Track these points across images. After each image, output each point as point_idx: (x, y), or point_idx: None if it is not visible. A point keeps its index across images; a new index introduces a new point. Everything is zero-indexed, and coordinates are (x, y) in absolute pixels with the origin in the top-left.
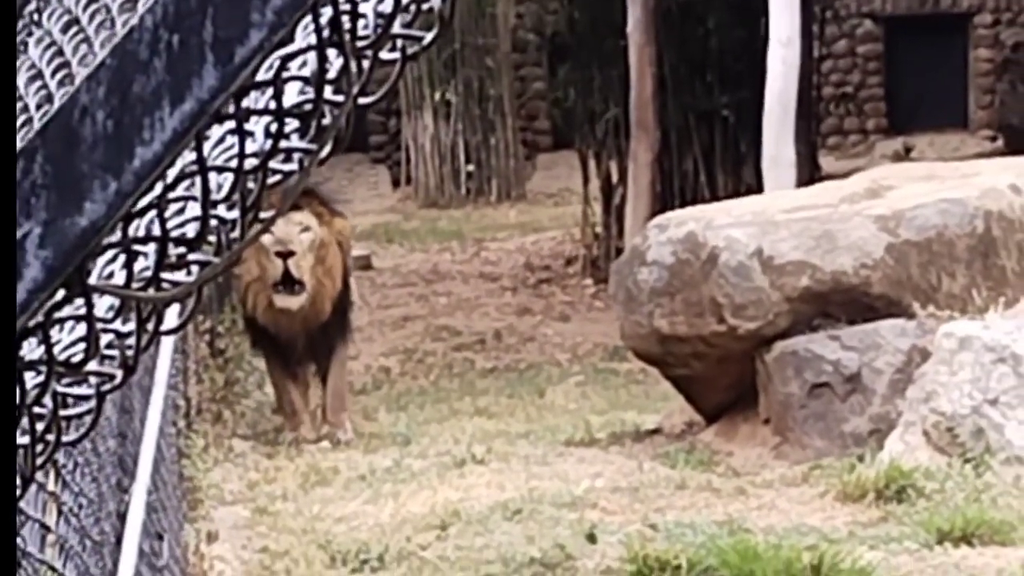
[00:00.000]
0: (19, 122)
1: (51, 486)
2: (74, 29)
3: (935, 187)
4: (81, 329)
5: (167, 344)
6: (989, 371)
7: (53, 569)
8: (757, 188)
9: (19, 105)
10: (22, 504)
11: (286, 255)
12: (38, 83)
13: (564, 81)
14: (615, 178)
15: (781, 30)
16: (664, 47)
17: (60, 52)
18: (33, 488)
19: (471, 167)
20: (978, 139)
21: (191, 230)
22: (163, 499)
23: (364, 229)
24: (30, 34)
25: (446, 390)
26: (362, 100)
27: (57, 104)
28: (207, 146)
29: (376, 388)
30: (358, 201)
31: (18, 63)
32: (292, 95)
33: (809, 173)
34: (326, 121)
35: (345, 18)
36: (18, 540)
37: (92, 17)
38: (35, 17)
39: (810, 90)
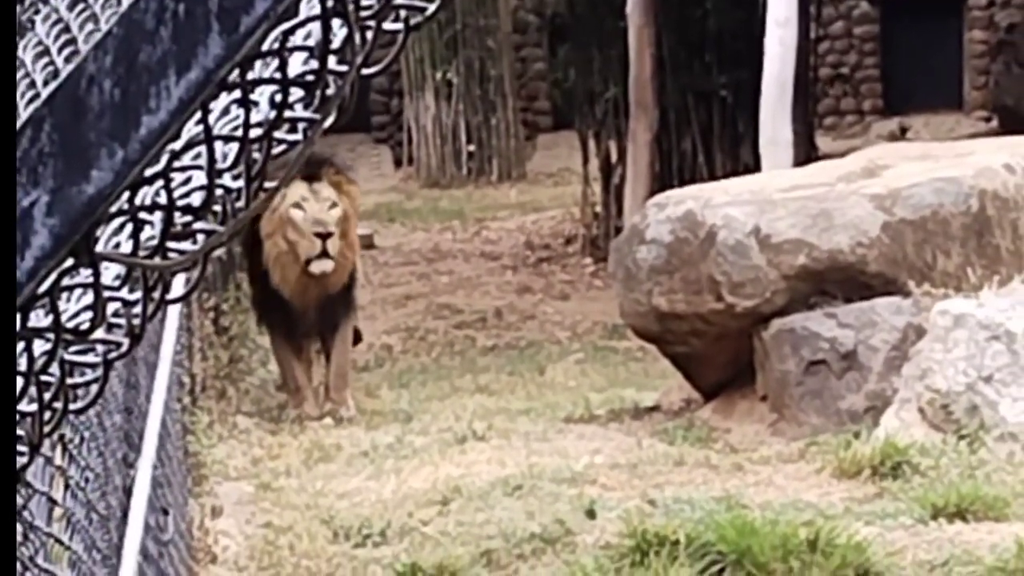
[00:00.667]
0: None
1: (58, 460)
2: (80, 6)
3: (930, 166)
4: (88, 297)
5: (172, 321)
6: (983, 348)
7: (59, 542)
8: (755, 167)
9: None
10: (29, 477)
11: (325, 236)
12: (45, 59)
13: (564, 62)
14: (614, 158)
15: (779, 11)
16: (663, 28)
17: (67, 29)
18: (40, 461)
19: (472, 147)
20: (973, 120)
21: (197, 199)
22: (168, 474)
23: (366, 208)
24: (37, 11)
25: (447, 367)
26: (365, 71)
27: (64, 73)
28: (212, 115)
29: (378, 366)
30: (361, 180)
31: (25, 40)
32: (296, 65)
33: (806, 153)
34: (330, 91)
35: None
36: (25, 513)
37: None
38: None
39: (807, 71)
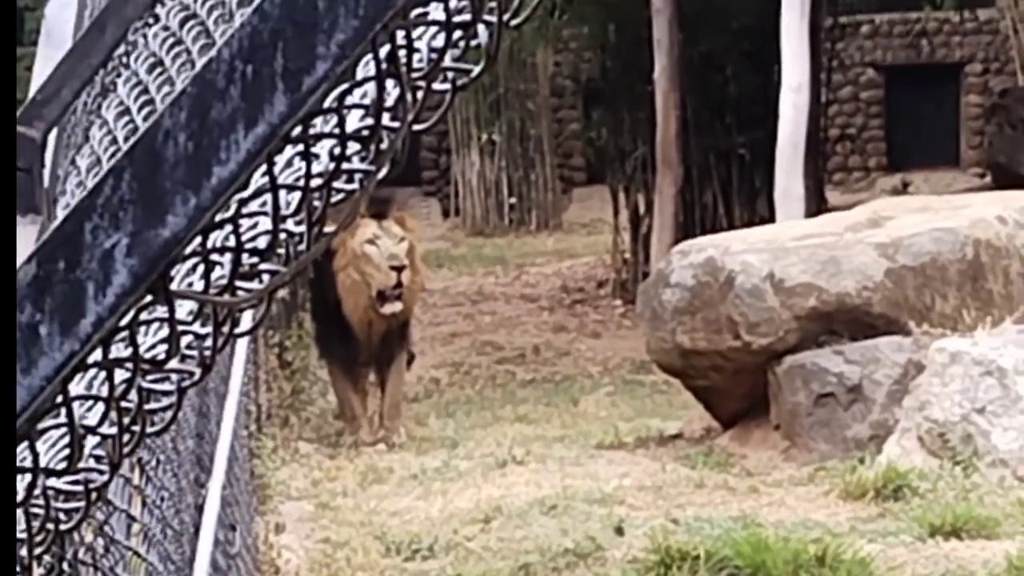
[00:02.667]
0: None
1: (136, 480)
2: (158, 70)
3: (929, 218)
4: (164, 331)
5: (240, 355)
6: (977, 383)
7: (137, 555)
8: (770, 219)
9: (108, 137)
10: (110, 495)
11: (400, 268)
12: (126, 118)
13: (597, 123)
14: (642, 210)
15: (792, 77)
16: (687, 92)
17: (145, 91)
18: (120, 482)
19: (513, 200)
20: (969, 176)
21: (263, 242)
22: (236, 494)
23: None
24: (119, 75)
25: (490, 399)
26: (417, 126)
27: (143, 128)
28: (277, 166)
29: (427, 397)
30: None
31: (108, 100)
32: (354, 121)
33: (816, 205)
34: (383, 145)
35: (402, 52)
36: (106, 528)
37: (175, 59)
38: (124, 60)
39: (818, 131)
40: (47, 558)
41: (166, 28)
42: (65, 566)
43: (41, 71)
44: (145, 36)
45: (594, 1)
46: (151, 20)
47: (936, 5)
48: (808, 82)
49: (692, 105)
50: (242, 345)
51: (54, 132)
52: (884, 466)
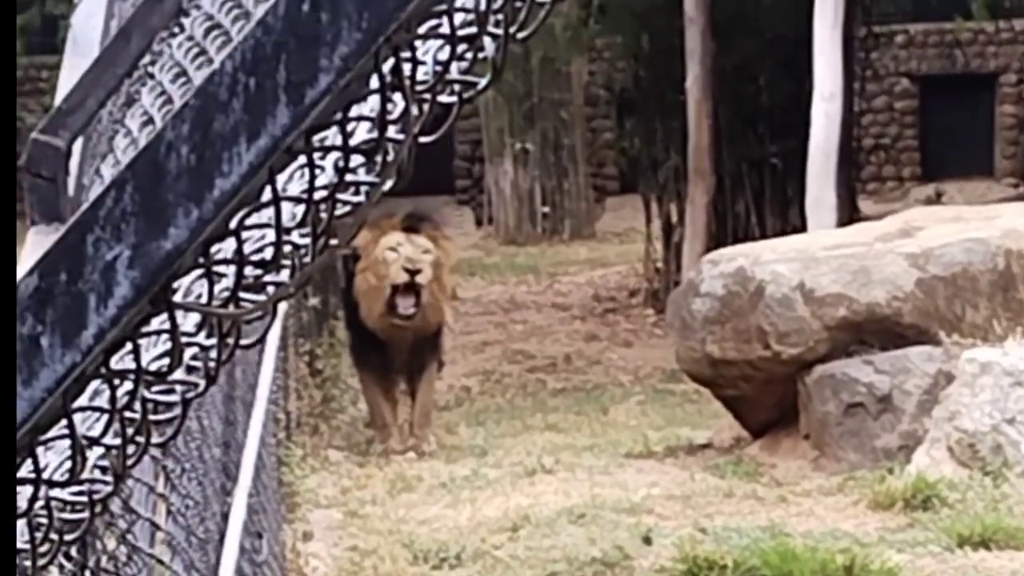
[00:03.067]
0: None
1: (160, 488)
2: (182, 80)
3: (961, 228)
4: (167, 343)
5: (268, 363)
6: (1007, 393)
7: (161, 563)
8: (802, 228)
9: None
10: (133, 504)
11: (414, 272)
12: (150, 128)
13: (630, 132)
14: (675, 219)
15: (824, 87)
16: (720, 101)
17: (170, 100)
18: (144, 490)
19: (546, 209)
20: (1003, 186)
21: (267, 255)
22: (263, 502)
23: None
24: (144, 84)
25: (520, 407)
26: (422, 139)
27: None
28: (283, 179)
29: (458, 405)
30: None
31: (132, 108)
32: (359, 134)
33: (848, 215)
34: (389, 158)
35: (406, 65)
36: (129, 536)
37: (199, 68)
38: (148, 69)
39: (850, 141)
40: (69, 566)
41: (191, 38)
42: (88, 575)
43: (67, 80)
44: (170, 45)
45: (627, 11)
46: (176, 30)
47: (968, 15)
48: (840, 92)
49: (725, 114)
50: (270, 354)
51: (80, 141)
52: (913, 476)
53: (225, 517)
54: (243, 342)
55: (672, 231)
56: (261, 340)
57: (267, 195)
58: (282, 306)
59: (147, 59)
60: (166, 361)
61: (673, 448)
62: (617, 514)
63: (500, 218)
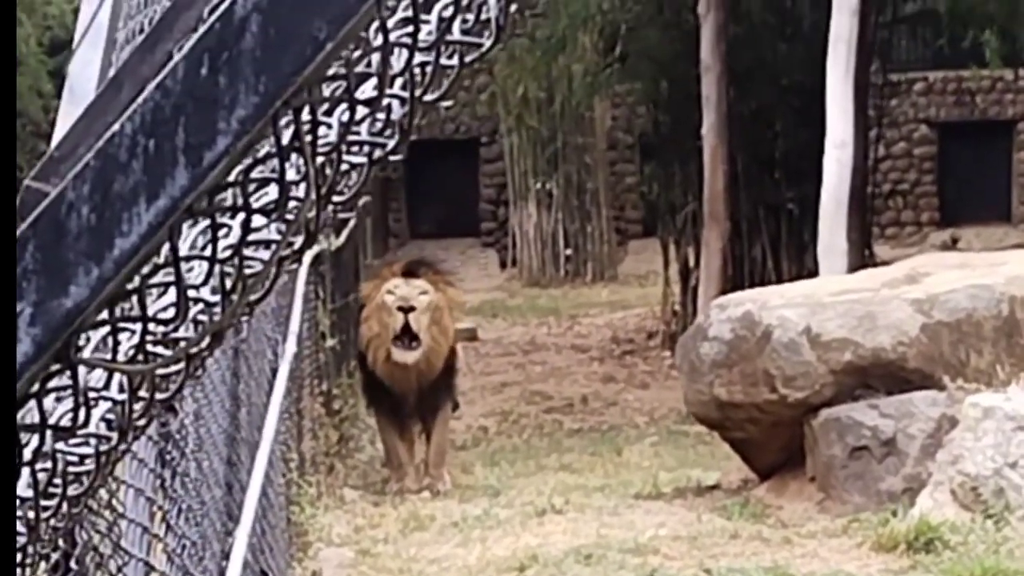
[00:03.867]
0: None
1: (155, 529)
2: None
3: (966, 274)
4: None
5: (275, 405)
6: (1010, 437)
7: None
8: (817, 273)
9: None
10: (125, 544)
11: (407, 310)
12: None
13: (649, 176)
14: (692, 262)
15: (836, 134)
16: (737, 147)
17: None
18: (138, 530)
19: (569, 251)
20: (1020, 231)
21: (170, 312)
22: (270, 541)
23: (473, 305)
24: None
25: (536, 448)
26: (335, 199)
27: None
28: (191, 237)
29: (475, 445)
30: (469, 280)
31: None
32: (266, 193)
33: (861, 260)
34: (291, 216)
35: (306, 128)
36: None
37: None
38: None
39: (864, 187)
40: None
41: None
42: None
43: (61, 127)
44: None
45: (646, 57)
46: None
47: (983, 63)
48: (852, 139)
49: (742, 160)
50: (278, 395)
51: None
52: (917, 519)
53: (227, 556)
54: (159, 396)
55: (689, 274)
56: (176, 395)
57: (167, 254)
58: (292, 348)
59: None
60: (72, 416)
61: (682, 489)
62: (623, 554)
63: (524, 260)
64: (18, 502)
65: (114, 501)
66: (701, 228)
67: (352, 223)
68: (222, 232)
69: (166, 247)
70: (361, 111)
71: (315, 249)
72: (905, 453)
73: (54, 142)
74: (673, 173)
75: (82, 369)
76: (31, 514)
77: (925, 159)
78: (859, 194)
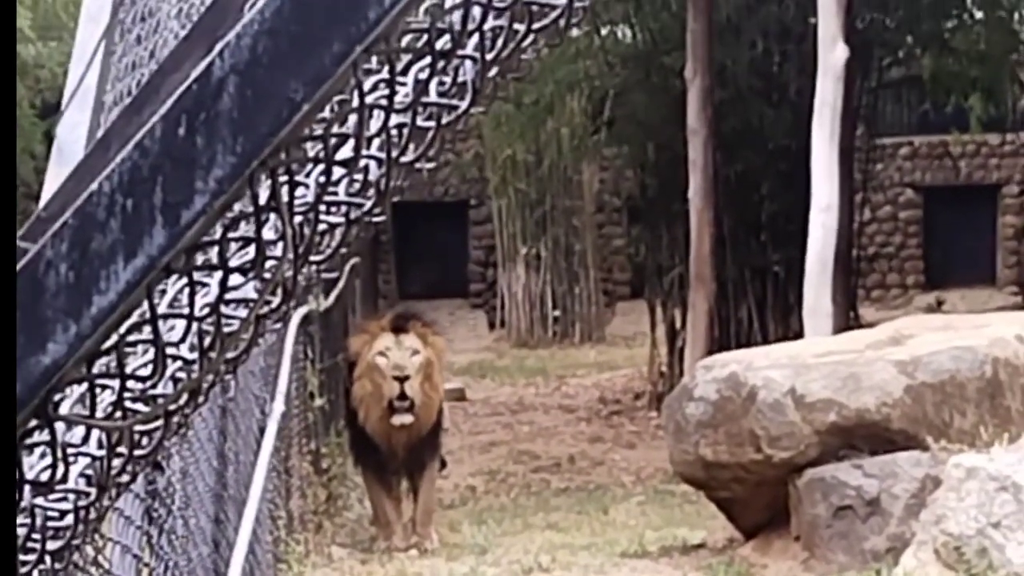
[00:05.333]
0: None
1: None
2: None
3: (950, 336)
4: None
5: (263, 463)
6: (992, 498)
7: None
8: (803, 335)
9: None
10: None
11: (403, 379)
12: None
13: (636, 239)
14: (679, 324)
15: (821, 198)
16: (723, 210)
17: None
18: None
19: (557, 312)
20: (1005, 294)
21: (148, 369)
22: None
23: (461, 365)
24: None
25: (523, 507)
26: (314, 257)
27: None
28: (168, 295)
29: (462, 504)
30: (458, 340)
31: None
32: (244, 252)
33: (846, 322)
34: (268, 275)
35: (283, 187)
36: None
37: None
38: None
39: (849, 250)
40: None
41: None
42: None
43: (50, 188)
44: None
45: (634, 121)
46: None
47: (966, 128)
48: (837, 203)
49: (728, 223)
50: (265, 453)
51: None
52: None
53: None
54: (138, 452)
55: (676, 336)
56: (154, 452)
57: (144, 312)
58: (280, 407)
59: None
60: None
61: (668, 548)
62: None
63: (512, 321)
64: None
65: (100, 558)
66: (688, 290)
67: (341, 284)
68: (200, 290)
69: (144, 305)
70: (338, 172)
71: (304, 309)
72: (889, 513)
73: (42, 202)
74: (660, 235)
75: (60, 425)
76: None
77: (910, 222)
78: (844, 257)
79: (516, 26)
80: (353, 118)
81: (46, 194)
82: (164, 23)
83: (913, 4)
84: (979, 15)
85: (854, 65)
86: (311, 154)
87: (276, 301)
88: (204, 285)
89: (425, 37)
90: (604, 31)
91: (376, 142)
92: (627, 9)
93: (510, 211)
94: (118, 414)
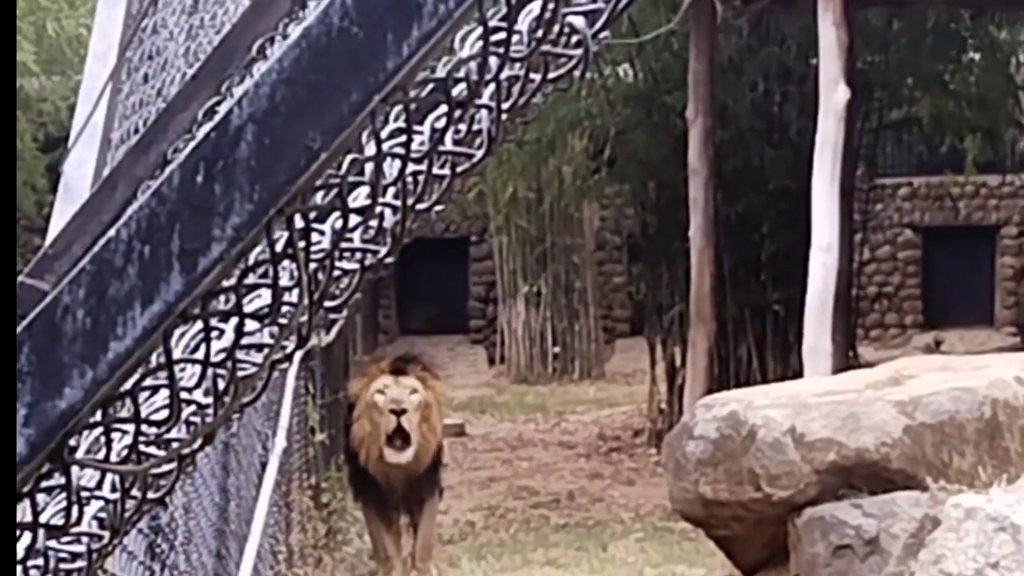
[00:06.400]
0: None
1: None
2: None
3: (949, 377)
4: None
5: (264, 498)
6: (991, 538)
7: None
8: (802, 373)
9: None
10: None
11: (399, 412)
12: None
13: (637, 277)
14: (678, 362)
15: (822, 237)
16: (724, 249)
17: None
18: None
19: (557, 349)
20: (1003, 335)
21: (163, 414)
22: None
23: (461, 401)
24: None
25: (522, 543)
26: (328, 304)
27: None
28: (184, 340)
29: (462, 539)
30: (458, 376)
31: None
32: (259, 299)
33: (845, 361)
34: (283, 321)
35: (299, 235)
36: None
37: None
38: None
39: (849, 290)
40: None
41: None
42: None
43: (56, 225)
44: None
45: (635, 160)
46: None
47: (961, 169)
48: (837, 242)
49: (728, 262)
50: (267, 488)
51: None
52: None
53: None
54: (151, 496)
55: (676, 374)
56: (167, 495)
57: (161, 357)
58: (282, 442)
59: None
60: (65, 515)
61: None
62: None
63: (512, 357)
64: None
65: None
66: (688, 328)
67: (342, 320)
68: (215, 335)
69: (160, 350)
70: (354, 219)
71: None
72: (888, 552)
73: (48, 239)
74: (660, 274)
75: (75, 468)
76: None
77: (909, 263)
78: (844, 296)
79: (532, 75)
80: (370, 166)
81: (52, 231)
82: (171, 62)
83: (913, 47)
84: (978, 58)
85: (855, 106)
86: (328, 201)
87: (291, 346)
88: (220, 331)
89: (442, 87)
90: (606, 70)
91: (392, 190)
92: (629, 49)
93: (511, 248)
94: (133, 458)
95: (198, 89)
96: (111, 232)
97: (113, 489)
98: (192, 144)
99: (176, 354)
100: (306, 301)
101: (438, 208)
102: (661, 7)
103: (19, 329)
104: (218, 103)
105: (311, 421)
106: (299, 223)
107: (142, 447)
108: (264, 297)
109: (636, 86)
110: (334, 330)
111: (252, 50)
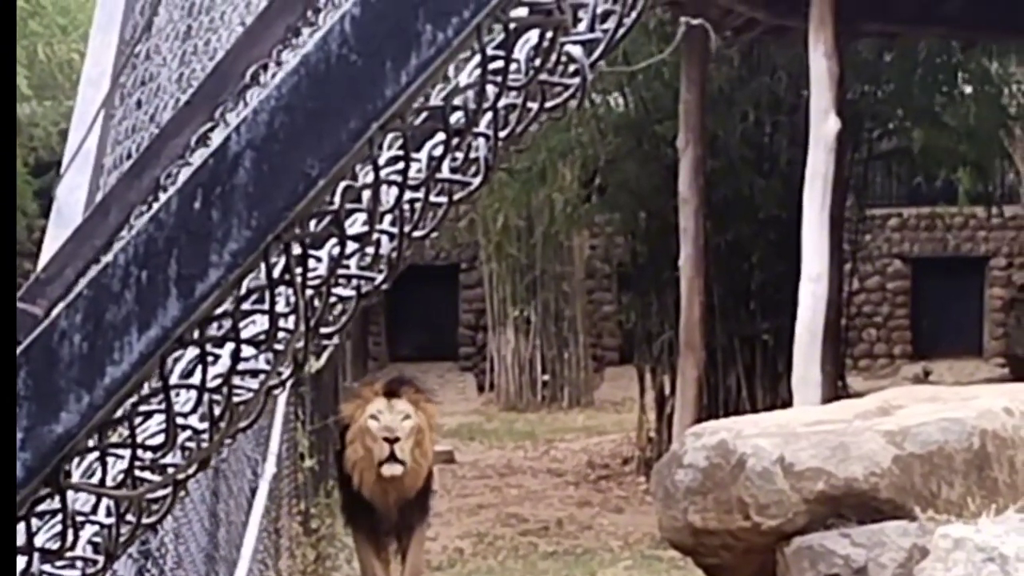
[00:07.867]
0: None
1: None
2: None
3: (938, 407)
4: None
5: (254, 524)
6: (980, 568)
7: None
8: (791, 402)
9: None
10: None
11: (393, 440)
12: None
13: (627, 306)
14: (668, 390)
15: (811, 268)
16: (713, 278)
17: None
18: None
19: (547, 377)
20: (991, 366)
21: (159, 439)
22: None
23: (450, 428)
24: None
25: (511, 569)
26: (324, 331)
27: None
28: (180, 365)
29: (450, 566)
30: (447, 403)
31: None
32: (255, 325)
33: (834, 391)
34: (279, 347)
35: (296, 261)
36: None
37: None
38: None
39: (838, 320)
40: None
41: None
42: None
43: (49, 249)
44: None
45: (625, 189)
46: (154, 206)
47: (954, 201)
48: (827, 272)
49: (718, 291)
50: (256, 514)
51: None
52: None
53: None
54: (146, 520)
55: (665, 402)
56: (162, 519)
57: (158, 382)
58: (272, 468)
59: (125, 232)
60: (59, 540)
61: None
62: None
63: (501, 385)
64: None
65: None
66: (677, 357)
67: (332, 346)
68: (211, 361)
69: (156, 375)
70: (351, 246)
71: None
72: None
73: (41, 263)
74: (650, 302)
75: (71, 493)
76: None
77: (898, 293)
78: (833, 326)
79: (529, 104)
80: (367, 193)
81: (44, 256)
82: (164, 88)
83: (904, 78)
84: (968, 90)
85: (845, 137)
86: (325, 228)
87: (286, 372)
88: (216, 356)
89: (440, 114)
90: (597, 99)
91: (389, 217)
92: (620, 78)
93: (501, 276)
94: (129, 483)
95: (191, 115)
96: (108, 257)
97: (108, 513)
98: (190, 170)
99: (172, 379)
100: (302, 327)
101: (432, 235)
102: (653, 37)
103: (17, 353)
104: (211, 129)
105: (301, 447)
106: (296, 250)
107: (138, 472)
108: (260, 323)
109: (627, 115)
110: (324, 356)
111: (246, 77)
